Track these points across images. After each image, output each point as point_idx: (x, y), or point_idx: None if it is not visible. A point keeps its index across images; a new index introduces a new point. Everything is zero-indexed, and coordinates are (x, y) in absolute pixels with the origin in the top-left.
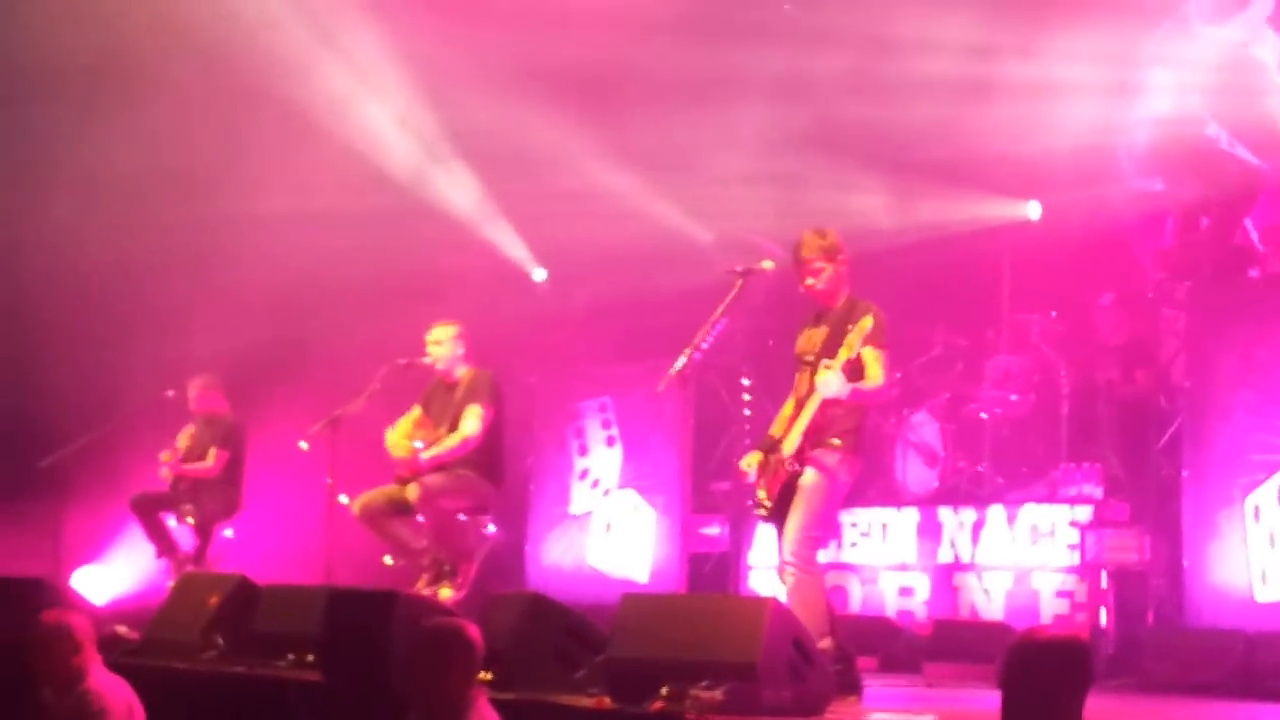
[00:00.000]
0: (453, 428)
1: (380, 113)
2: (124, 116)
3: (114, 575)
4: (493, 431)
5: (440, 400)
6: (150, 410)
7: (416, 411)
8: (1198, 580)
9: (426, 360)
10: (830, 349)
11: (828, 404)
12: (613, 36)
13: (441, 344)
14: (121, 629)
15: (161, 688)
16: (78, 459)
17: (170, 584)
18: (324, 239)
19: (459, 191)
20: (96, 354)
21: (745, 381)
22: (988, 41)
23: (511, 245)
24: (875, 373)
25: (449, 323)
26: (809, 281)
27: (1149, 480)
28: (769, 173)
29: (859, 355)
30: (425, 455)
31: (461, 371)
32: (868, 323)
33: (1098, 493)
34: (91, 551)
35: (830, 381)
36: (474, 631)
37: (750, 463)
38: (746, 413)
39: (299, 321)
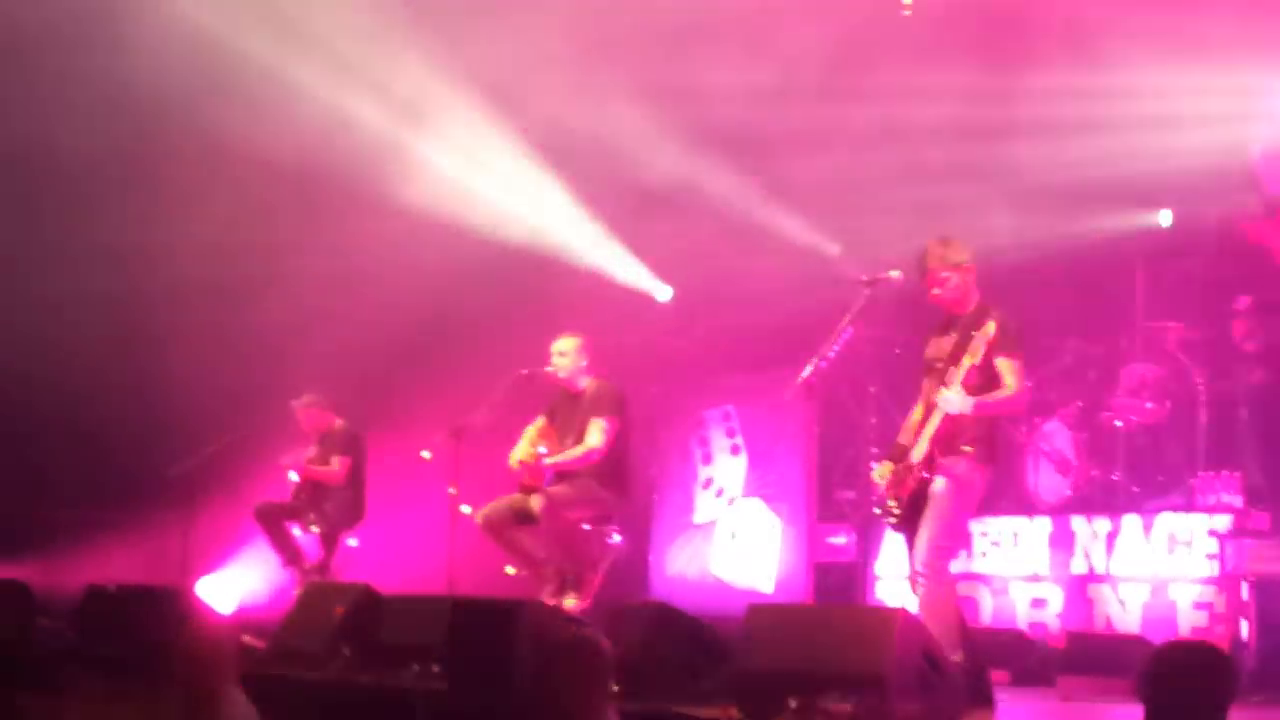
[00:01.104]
0: (578, 439)
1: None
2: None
3: (239, 584)
4: (617, 443)
5: (565, 411)
6: (276, 420)
7: (541, 422)
8: None
9: (550, 370)
10: (958, 356)
11: (954, 415)
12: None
13: (566, 355)
14: (247, 638)
15: (287, 697)
16: (205, 468)
17: (295, 593)
18: (452, 255)
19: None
20: (224, 365)
21: (871, 389)
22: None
23: (636, 268)
24: (1008, 381)
25: (573, 334)
26: (935, 291)
27: None
28: (898, 200)
29: (988, 363)
30: (548, 462)
31: (586, 383)
32: (992, 329)
33: (1237, 501)
34: (217, 560)
35: (950, 400)
36: (605, 643)
37: (882, 473)
38: (873, 420)
39: (425, 333)
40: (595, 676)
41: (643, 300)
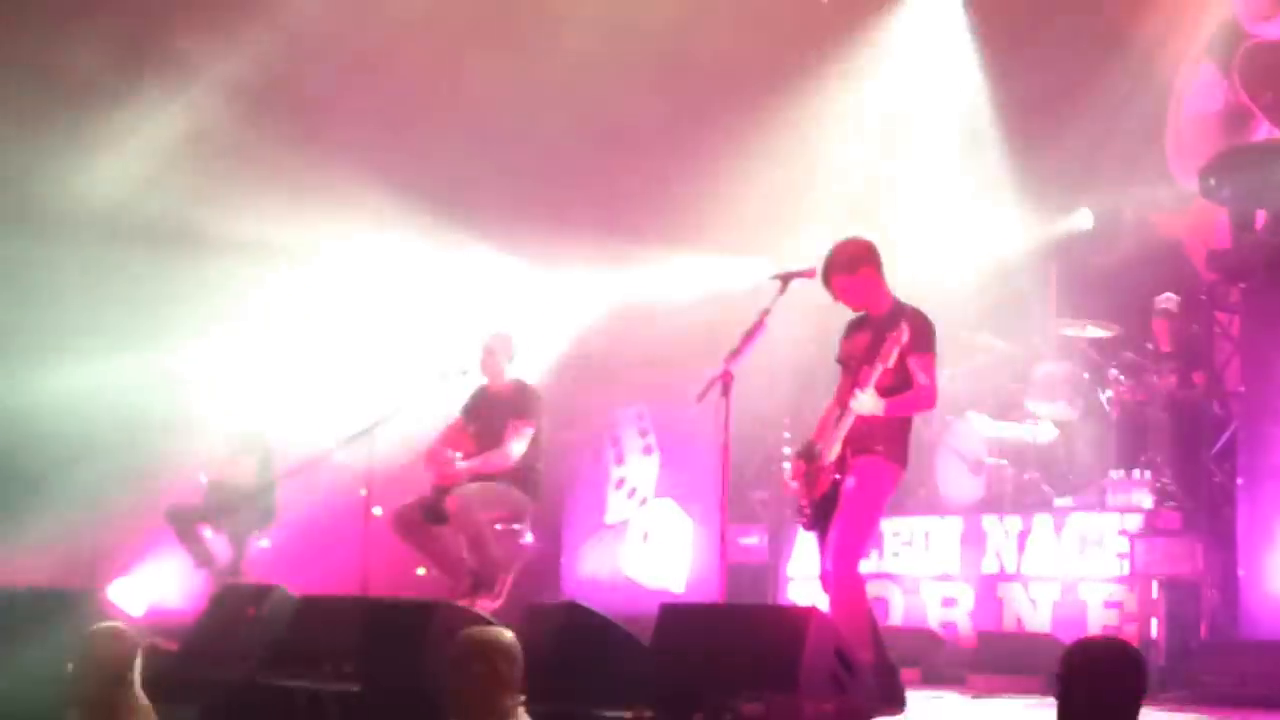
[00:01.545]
0: (496, 441)
1: None
2: None
3: (150, 587)
4: (533, 444)
5: (484, 410)
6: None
7: (458, 421)
8: (1253, 591)
9: (466, 373)
10: (871, 355)
11: (866, 415)
12: None
13: (494, 353)
14: (159, 641)
15: (199, 700)
16: (116, 470)
17: (207, 595)
18: None
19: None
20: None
21: (785, 389)
22: None
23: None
24: (920, 381)
25: (500, 332)
26: (837, 292)
27: (1202, 488)
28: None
29: (899, 363)
30: (462, 466)
31: (506, 382)
32: (904, 329)
33: (1148, 501)
34: (128, 563)
35: (862, 401)
36: (514, 640)
37: (794, 472)
38: (786, 420)
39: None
40: (507, 674)
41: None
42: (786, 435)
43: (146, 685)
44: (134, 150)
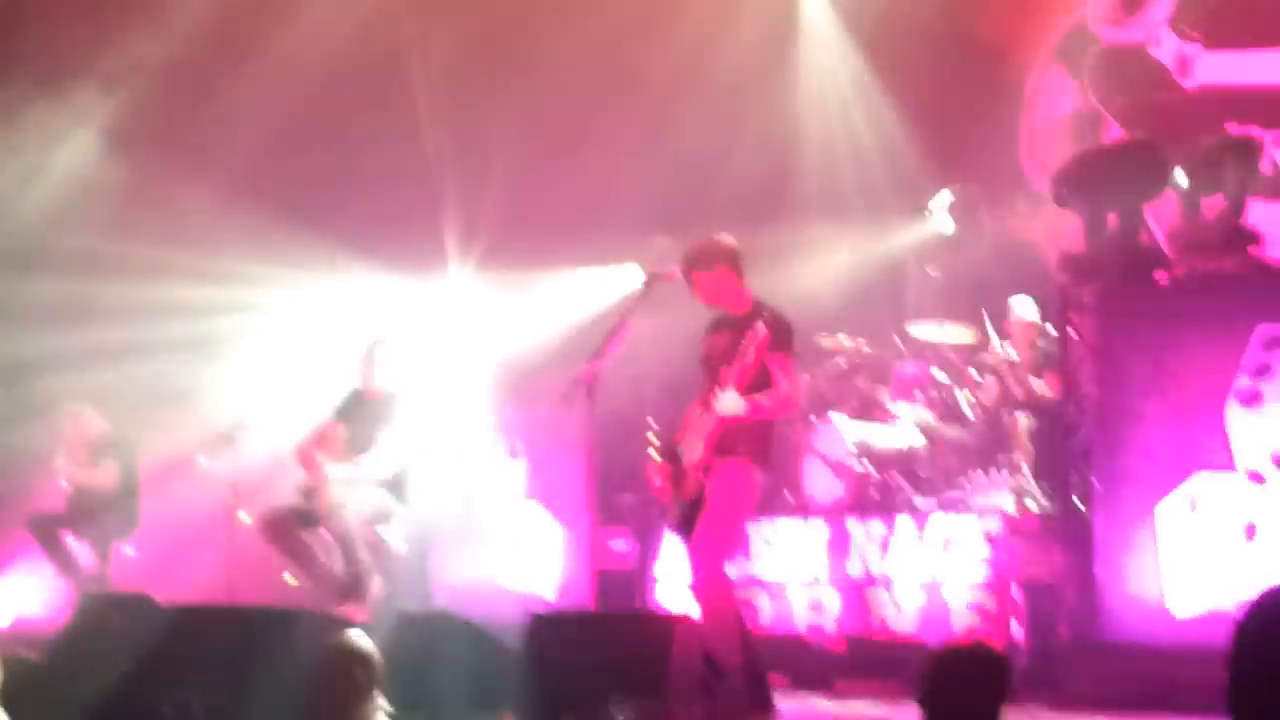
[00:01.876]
0: (368, 445)
1: None
2: None
3: (12, 596)
4: (403, 450)
5: (360, 415)
6: (50, 429)
7: (330, 422)
8: (1112, 592)
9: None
10: (731, 356)
11: (727, 417)
12: None
13: (371, 360)
14: (20, 650)
15: (64, 711)
16: None
17: (71, 604)
18: None
19: None
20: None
21: (650, 390)
22: None
23: None
24: (779, 381)
25: (378, 339)
26: (692, 292)
27: (1060, 491)
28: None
29: (759, 363)
30: (330, 472)
31: (381, 388)
32: (762, 329)
33: (1008, 503)
34: None
35: (723, 401)
36: (372, 647)
37: (658, 472)
38: (651, 421)
39: None
40: (364, 684)
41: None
42: (651, 437)
43: (8, 699)
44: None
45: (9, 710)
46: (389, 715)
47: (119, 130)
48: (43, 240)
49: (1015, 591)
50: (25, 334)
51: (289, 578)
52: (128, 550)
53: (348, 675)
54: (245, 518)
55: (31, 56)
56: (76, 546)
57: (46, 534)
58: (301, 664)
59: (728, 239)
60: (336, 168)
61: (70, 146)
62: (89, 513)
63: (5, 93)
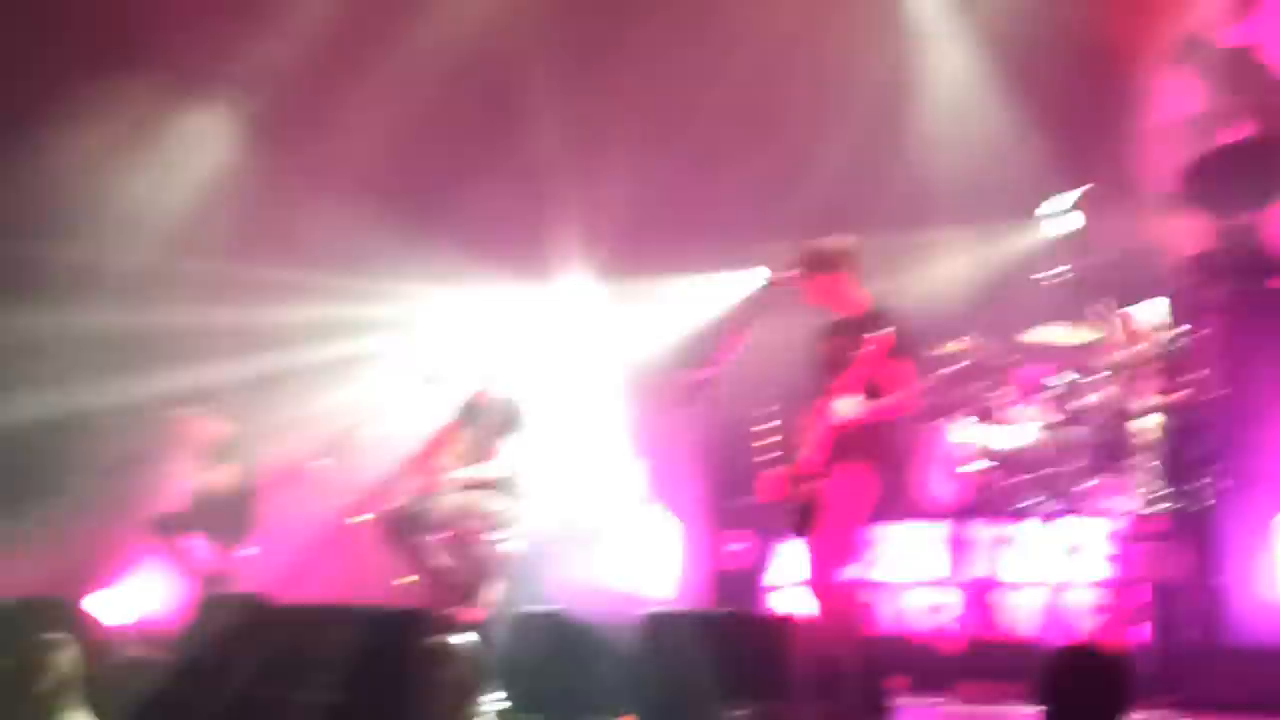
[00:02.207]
0: (486, 449)
1: None
2: None
3: (135, 597)
4: (520, 454)
5: (477, 418)
6: (170, 432)
7: (451, 425)
8: (1239, 595)
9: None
10: (850, 359)
11: (846, 421)
12: None
13: (489, 372)
14: (143, 651)
15: (188, 711)
16: (101, 480)
17: (192, 605)
18: None
19: None
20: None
21: (770, 393)
22: None
23: None
24: (900, 385)
25: (499, 346)
26: (807, 293)
27: (1187, 492)
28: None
29: (880, 367)
30: (455, 476)
31: (501, 395)
32: (886, 334)
33: (1136, 505)
34: (112, 573)
35: (842, 406)
36: (479, 647)
37: (776, 478)
38: (771, 425)
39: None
40: (470, 683)
41: None
42: (771, 440)
43: (136, 700)
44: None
45: (136, 711)
46: (506, 715)
47: (245, 138)
48: (172, 249)
49: (1141, 594)
50: (151, 337)
51: (407, 579)
52: (249, 551)
53: (456, 673)
54: (365, 519)
55: (161, 64)
56: (198, 547)
57: (168, 535)
58: (417, 663)
59: (845, 242)
60: (456, 173)
61: (200, 155)
62: (210, 514)
63: (137, 102)
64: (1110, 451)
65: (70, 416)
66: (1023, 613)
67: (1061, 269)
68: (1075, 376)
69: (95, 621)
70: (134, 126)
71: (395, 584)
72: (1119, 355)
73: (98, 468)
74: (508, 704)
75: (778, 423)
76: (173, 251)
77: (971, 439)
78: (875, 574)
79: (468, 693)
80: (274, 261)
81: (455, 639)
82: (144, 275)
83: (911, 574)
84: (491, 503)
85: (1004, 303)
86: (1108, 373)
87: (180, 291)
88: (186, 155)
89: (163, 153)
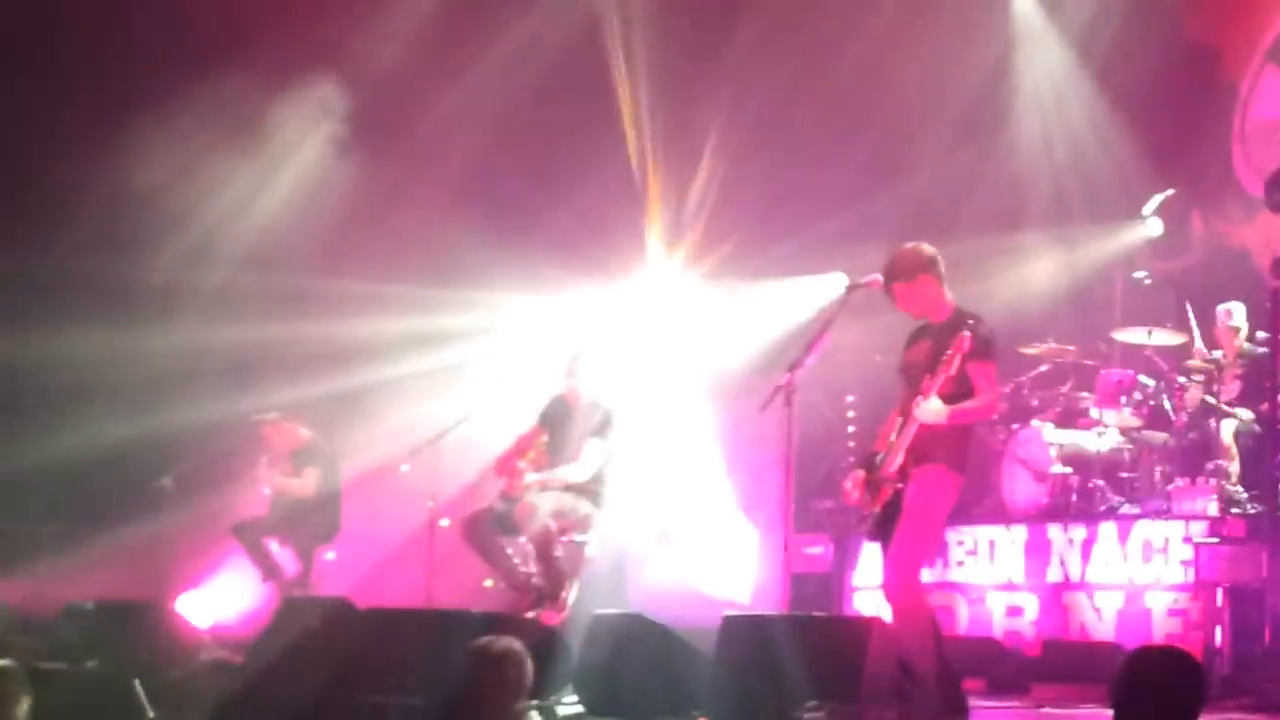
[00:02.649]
0: (569, 452)
1: None
2: None
3: (217, 600)
4: (604, 459)
5: (561, 422)
6: (252, 435)
7: (534, 429)
8: None
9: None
10: (933, 363)
11: (928, 424)
12: None
13: (577, 374)
14: (223, 653)
15: (267, 714)
16: (182, 484)
17: (272, 608)
18: None
19: None
20: (201, 380)
21: (849, 399)
22: None
23: None
24: (980, 388)
25: (585, 349)
26: (894, 299)
27: (1267, 496)
28: None
29: (961, 371)
30: (533, 479)
31: (588, 399)
32: (966, 338)
33: (1213, 508)
34: (196, 576)
35: (925, 409)
36: (522, 649)
37: (855, 482)
38: (850, 429)
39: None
40: (505, 687)
41: None
42: (850, 445)
43: (216, 703)
44: None
45: (217, 714)
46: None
47: (336, 146)
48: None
49: (1219, 597)
50: (238, 350)
51: (488, 582)
52: (329, 555)
53: (502, 674)
54: (445, 523)
55: (258, 65)
56: (279, 551)
57: (250, 538)
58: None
59: (928, 248)
60: (544, 178)
61: (292, 163)
62: (291, 519)
63: (239, 99)
64: (1190, 455)
65: (159, 430)
66: (1099, 616)
67: (1147, 272)
68: (1158, 380)
69: (183, 623)
70: (226, 133)
71: (478, 587)
72: (1201, 359)
73: (183, 474)
74: (580, 707)
75: (857, 427)
76: (260, 265)
77: (1052, 441)
78: (954, 576)
79: (509, 693)
80: (361, 275)
81: (494, 640)
82: (231, 289)
83: (990, 576)
84: (573, 505)
85: (1089, 306)
86: (1190, 377)
87: (268, 305)
88: (279, 163)
89: (256, 160)
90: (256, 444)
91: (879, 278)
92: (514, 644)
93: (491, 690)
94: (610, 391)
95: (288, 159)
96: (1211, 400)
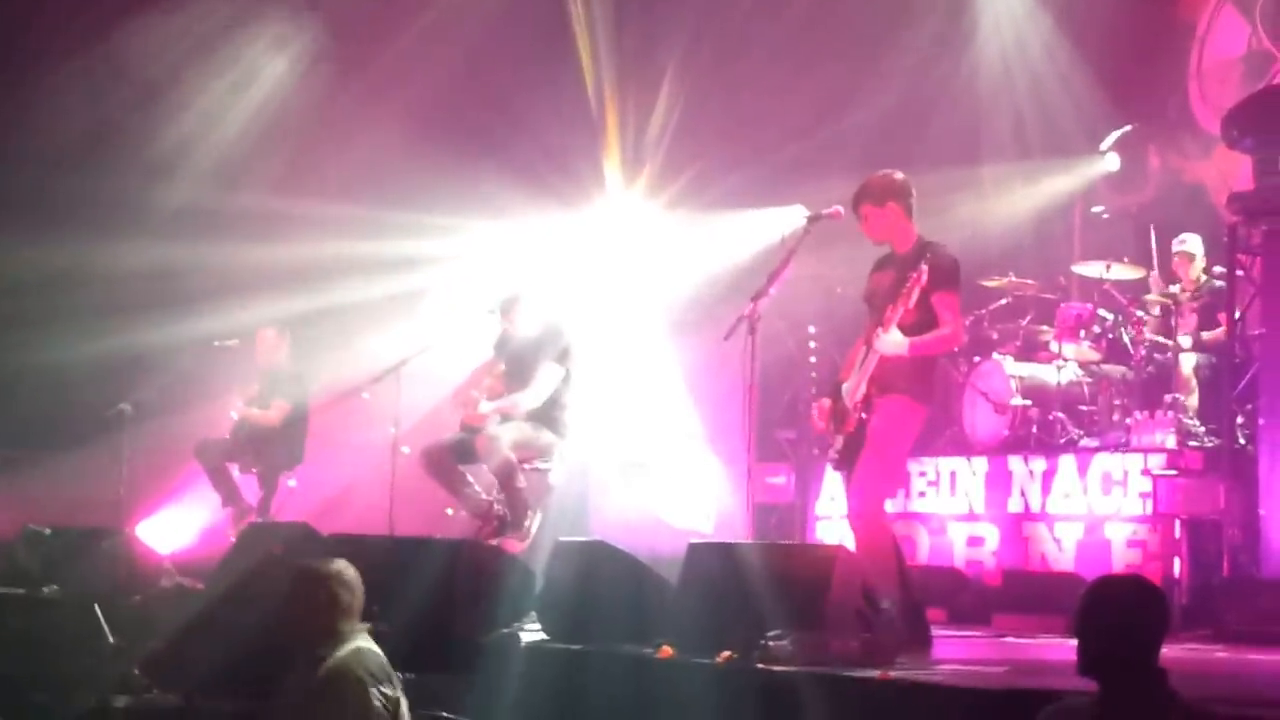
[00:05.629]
0: (525, 380)
1: None
2: None
3: (177, 524)
4: (562, 383)
5: (514, 349)
6: (214, 359)
7: (487, 361)
8: (1275, 530)
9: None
10: (895, 294)
11: (890, 355)
12: None
13: (511, 318)
14: (185, 580)
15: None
16: (142, 409)
17: (233, 533)
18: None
19: None
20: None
21: (811, 329)
22: None
23: None
24: (944, 320)
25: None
26: (860, 223)
27: (1224, 429)
28: None
29: (924, 301)
30: (487, 407)
31: (536, 323)
32: (927, 270)
33: (1171, 441)
34: (155, 500)
35: (886, 340)
36: (355, 572)
37: (819, 409)
38: (812, 360)
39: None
40: (347, 604)
41: None
42: (812, 375)
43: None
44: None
45: (177, 637)
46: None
47: (309, 59)
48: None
49: (1176, 529)
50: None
51: (450, 511)
52: (291, 482)
53: (333, 595)
54: (407, 451)
55: None
56: (241, 478)
57: (212, 461)
58: (464, 594)
59: (901, 176)
60: (505, 104)
61: (266, 73)
62: (255, 444)
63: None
64: (1149, 388)
65: (118, 350)
66: (1059, 547)
67: (1104, 207)
68: (1117, 314)
69: (144, 549)
70: (191, 53)
71: (439, 515)
72: (1159, 292)
73: (143, 399)
74: (543, 634)
75: (820, 357)
76: (223, 185)
77: (1013, 374)
78: (916, 506)
79: (338, 611)
80: (324, 196)
81: (325, 563)
82: (194, 209)
83: (951, 507)
84: (534, 435)
85: (1048, 240)
86: (1149, 310)
87: (229, 226)
88: (243, 83)
89: (219, 80)
90: (225, 363)
91: (839, 209)
92: (347, 568)
93: (312, 609)
94: (567, 319)
95: (252, 79)
96: (1165, 340)
